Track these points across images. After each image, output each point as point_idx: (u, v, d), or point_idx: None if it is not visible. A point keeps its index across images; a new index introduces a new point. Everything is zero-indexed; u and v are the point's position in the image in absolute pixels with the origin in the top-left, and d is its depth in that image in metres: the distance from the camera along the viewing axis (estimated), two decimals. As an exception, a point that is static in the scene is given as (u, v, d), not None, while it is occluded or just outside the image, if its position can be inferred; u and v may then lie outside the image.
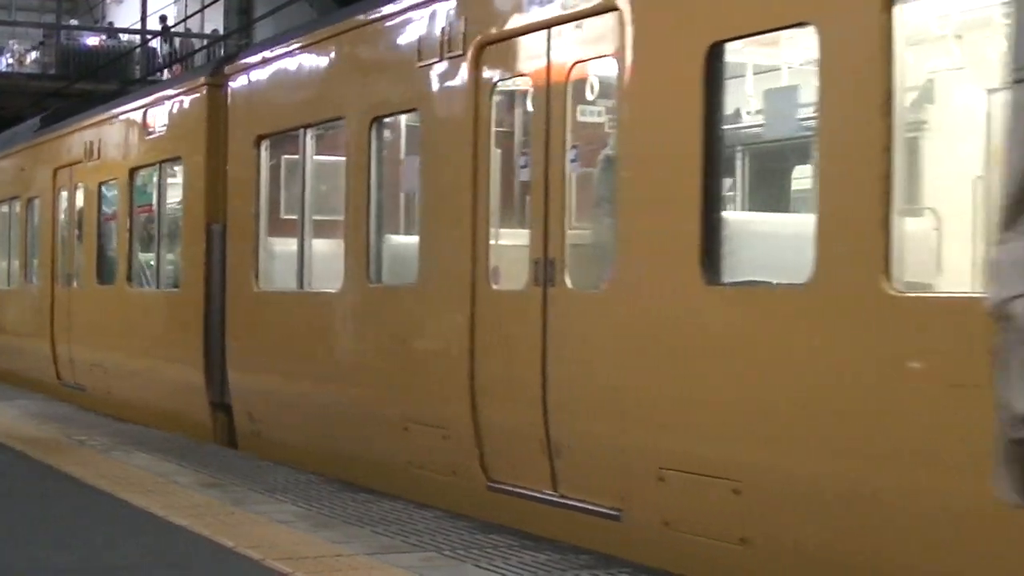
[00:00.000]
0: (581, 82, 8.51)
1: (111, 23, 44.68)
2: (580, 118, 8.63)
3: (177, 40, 37.55)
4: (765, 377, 6.73)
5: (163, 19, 38.23)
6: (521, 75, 8.98)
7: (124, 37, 39.62)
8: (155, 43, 37.29)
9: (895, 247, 6.08)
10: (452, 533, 8.13)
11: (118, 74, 32.78)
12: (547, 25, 8.47)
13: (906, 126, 6.57)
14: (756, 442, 6.80)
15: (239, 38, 33.07)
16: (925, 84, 7.76)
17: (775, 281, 7.02)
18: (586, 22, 8.15)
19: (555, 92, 8.42)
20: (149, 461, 11.27)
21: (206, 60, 30.84)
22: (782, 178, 9.19)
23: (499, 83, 9.07)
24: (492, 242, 9.03)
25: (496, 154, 9.18)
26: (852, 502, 6.24)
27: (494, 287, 8.96)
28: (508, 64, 8.99)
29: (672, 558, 7.20)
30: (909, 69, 6.53)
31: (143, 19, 37.28)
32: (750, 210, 9.40)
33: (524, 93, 9.27)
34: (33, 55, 40.26)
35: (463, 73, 9.22)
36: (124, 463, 11.15)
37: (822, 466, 6.43)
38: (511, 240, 9.09)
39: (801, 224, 6.92)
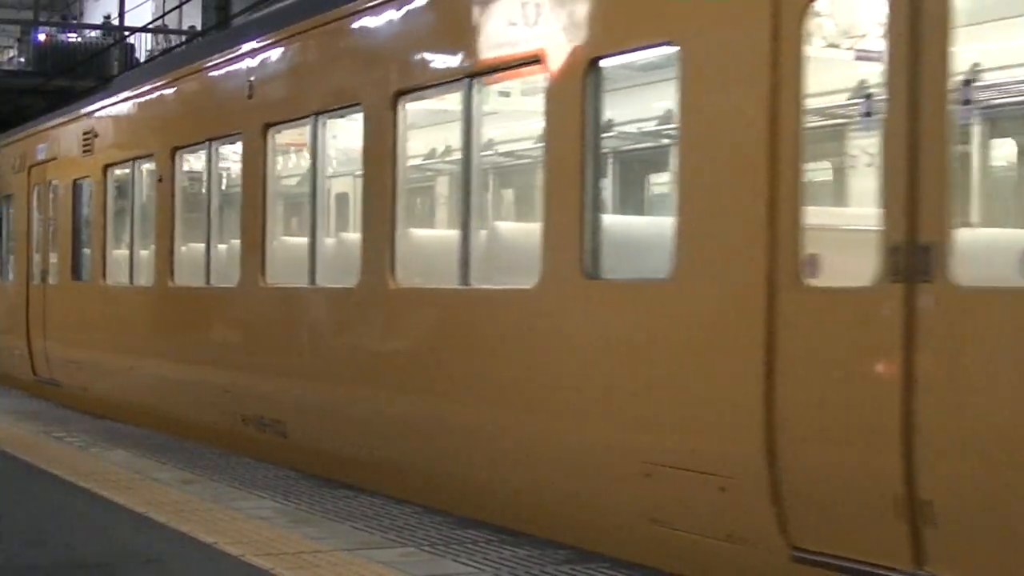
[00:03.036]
0: None
1: (107, 17, 44.54)
2: None
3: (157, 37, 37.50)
4: None
5: (106, 18, 38.12)
6: None
7: (94, 33, 39.51)
8: (133, 39, 37.20)
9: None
10: (431, 528, 8.14)
11: (95, 71, 32.63)
12: None
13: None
14: None
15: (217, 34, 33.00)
16: None
17: None
18: None
19: None
20: (128, 457, 11.25)
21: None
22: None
23: None
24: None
25: None
26: None
27: None
28: None
29: None
30: None
31: (121, 16, 37.14)
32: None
33: None
34: (10, 52, 40.13)
35: None
36: (103, 460, 11.13)
37: None
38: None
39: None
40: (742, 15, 6.52)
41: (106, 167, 15.42)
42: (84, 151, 16.05)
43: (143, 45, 37.23)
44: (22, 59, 39.09)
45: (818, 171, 7.06)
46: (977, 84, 6.93)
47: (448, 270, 8.87)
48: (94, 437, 12.73)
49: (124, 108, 14.82)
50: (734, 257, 6.56)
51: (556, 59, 7.79)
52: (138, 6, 36.87)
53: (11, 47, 40.19)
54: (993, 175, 6.82)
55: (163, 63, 14.80)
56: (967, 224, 6.51)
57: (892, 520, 5.80)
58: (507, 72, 8.73)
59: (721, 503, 6.62)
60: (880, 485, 5.84)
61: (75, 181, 16.47)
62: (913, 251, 5.73)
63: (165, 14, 33.32)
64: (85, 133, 16.03)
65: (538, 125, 8.34)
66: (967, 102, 6.70)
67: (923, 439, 5.68)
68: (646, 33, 7.31)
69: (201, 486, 9.72)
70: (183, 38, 35.04)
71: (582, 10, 7.74)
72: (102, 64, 34.41)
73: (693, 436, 6.83)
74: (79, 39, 39.15)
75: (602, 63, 7.59)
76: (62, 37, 39.12)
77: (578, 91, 7.61)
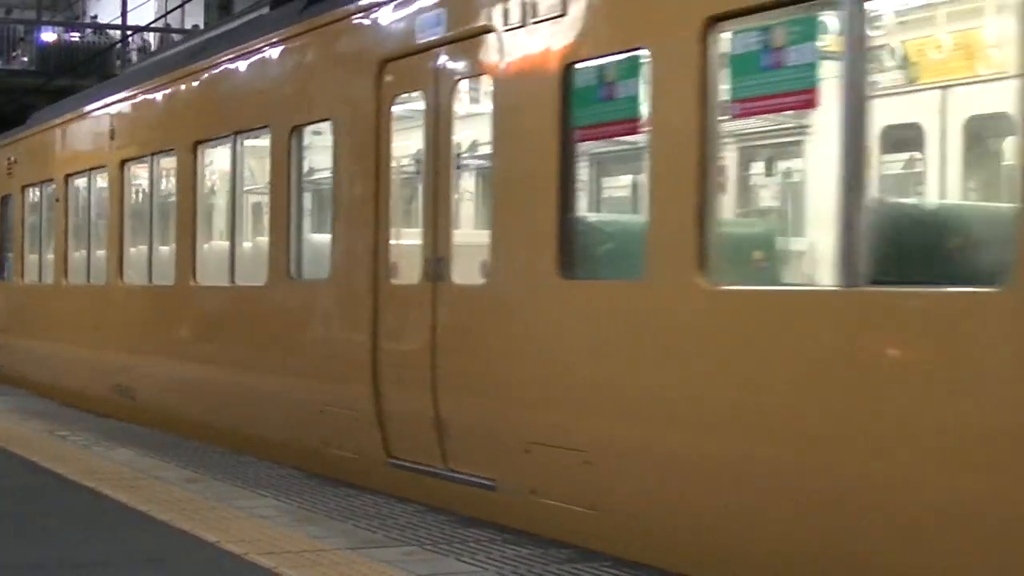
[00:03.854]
0: None
1: (95, 16, 44.56)
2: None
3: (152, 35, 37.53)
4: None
5: (94, 19, 38.12)
6: None
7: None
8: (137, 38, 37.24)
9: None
10: (433, 527, 8.16)
11: (97, 70, 32.68)
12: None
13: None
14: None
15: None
16: None
17: None
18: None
19: None
20: (131, 456, 11.27)
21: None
22: None
23: None
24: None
25: None
26: None
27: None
28: None
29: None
30: None
31: (123, 15, 37.16)
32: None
33: None
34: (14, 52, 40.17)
35: None
36: (106, 459, 11.15)
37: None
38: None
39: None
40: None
41: (22, 187, 19.46)
42: (8, 174, 20.12)
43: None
44: (24, 58, 39.10)
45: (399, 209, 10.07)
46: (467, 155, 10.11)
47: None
48: (97, 436, 12.75)
49: (32, 143, 19.19)
50: (359, 264, 10.02)
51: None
52: (140, 5, 36.89)
53: (16, 52, 40.22)
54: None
55: (59, 108, 18.75)
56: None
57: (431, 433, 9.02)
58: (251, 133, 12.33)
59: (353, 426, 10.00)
60: (426, 412, 9.02)
61: (2, 197, 20.50)
62: (436, 262, 9.12)
63: (168, 12, 33.35)
64: (8, 159, 20.16)
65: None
66: (459, 167, 9.66)
67: (441, 380, 8.97)
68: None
69: (204, 485, 9.74)
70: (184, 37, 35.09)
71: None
72: (105, 63, 34.44)
73: (340, 384, 10.30)
74: (82, 38, 39.17)
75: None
76: (65, 37, 39.15)
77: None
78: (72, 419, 14.51)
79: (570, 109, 7.84)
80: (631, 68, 7.50)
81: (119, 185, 15.19)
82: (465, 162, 10.10)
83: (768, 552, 6.51)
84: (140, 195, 15.24)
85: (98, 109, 16.18)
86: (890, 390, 5.87)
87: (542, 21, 8.00)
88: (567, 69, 7.81)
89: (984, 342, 5.55)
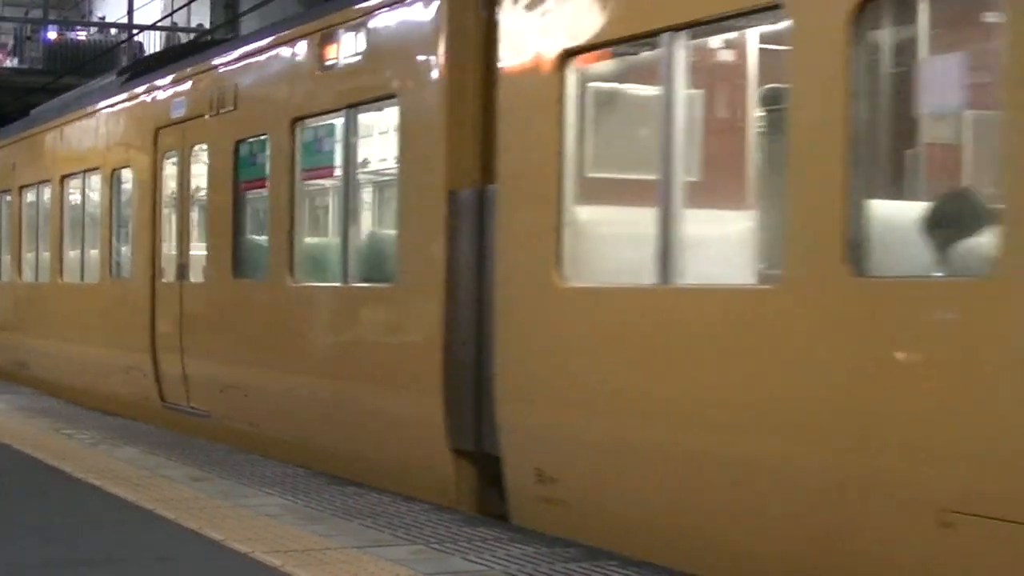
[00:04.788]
0: None
1: (103, 17, 44.58)
2: None
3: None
4: None
5: (101, 19, 38.07)
6: None
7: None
8: (142, 37, 37.21)
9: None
10: (440, 526, 8.14)
11: (105, 68, 32.68)
12: None
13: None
14: None
15: (225, 32, 33.01)
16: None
17: None
18: None
19: None
20: (136, 455, 11.27)
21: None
22: None
23: None
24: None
25: None
26: None
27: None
28: None
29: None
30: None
31: (130, 13, 37.16)
32: None
33: None
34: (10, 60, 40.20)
35: None
36: (112, 457, 11.15)
37: None
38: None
39: None
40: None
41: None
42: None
43: (152, 43, 37.21)
44: (33, 54, 39.08)
45: (166, 230, 14.84)
46: (198, 195, 14.15)
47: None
48: (103, 434, 12.75)
49: None
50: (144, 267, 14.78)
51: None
52: (146, 4, 36.89)
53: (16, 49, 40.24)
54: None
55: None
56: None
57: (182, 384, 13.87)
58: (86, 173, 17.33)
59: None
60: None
61: None
62: (181, 268, 13.95)
63: (174, 12, 33.37)
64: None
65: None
66: (193, 203, 14.28)
67: (185, 348, 13.90)
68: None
69: (209, 483, 9.73)
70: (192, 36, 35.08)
71: None
72: (110, 62, 34.45)
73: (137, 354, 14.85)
74: (88, 37, 39.18)
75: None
76: (71, 36, 39.14)
77: None
78: (78, 417, 14.51)
79: (238, 169, 12.77)
80: (263, 144, 12.30)
81: (18, 205, 20.04)
82: (196, 199, 14.07)
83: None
84: (34, 212, 19.64)
85: (4, 147, 21.01)
86: None
87: (226, 112, 12.94)
88: (236, 144, 12.75)
89: None
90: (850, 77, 6.11)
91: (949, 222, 6.29)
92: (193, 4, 30.46)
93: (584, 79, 8.18)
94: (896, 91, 6.60)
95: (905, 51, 6.66)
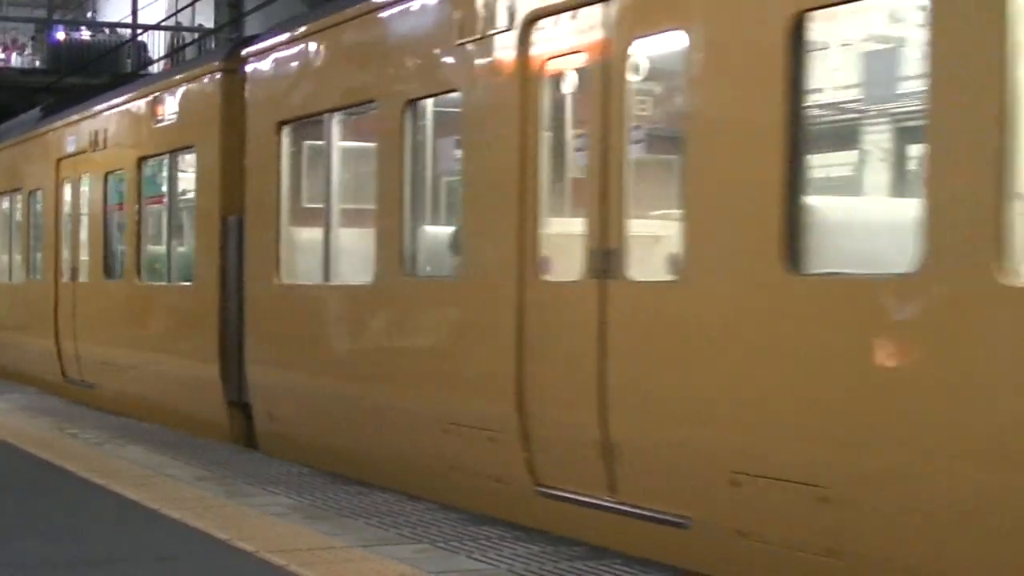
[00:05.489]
0: None
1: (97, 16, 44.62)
2: None
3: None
4: None
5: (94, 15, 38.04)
6: None
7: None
8: (145, 37, 37.21)
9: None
10: (445, 524, 8.14)
11: (108, 68, 32.68)
12: None
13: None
14: None
15: (229, 31, 33.01)
16: None
17: None
18: None
19: None
20: (141, 454, 11.27)
21: (197, 54, 30.79)
22: None
23: None
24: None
25: None
26: None
27: None
28: None
29: None
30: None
31: (134, 13, 37.17)
32: None
33: None
34: (26, 51, 40.18)
35: None
36: (116, 456, 11.15)
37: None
38: None
39: None
40: None
41: None
42: None
43: (156, 43, 37.21)
44: (37, 54, 39.09)
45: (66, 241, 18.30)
46: (83, 213, 17.69)
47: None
48: (108, 434, 12.76)
49: None
50: (48, 268, 18.67)
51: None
52: (150, 4, 36.91)
53: (25, 45, 40.25)
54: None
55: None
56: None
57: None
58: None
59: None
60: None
61: None
62: (74, 268, 17.54)
63: (178, 11, 33.37)
64: None
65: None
66: (80, 218, 18.01)
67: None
68: None
69: (215, 482, 9.73)
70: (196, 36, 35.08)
71: None
72: (115, 62, 34.45)
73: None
74: (93, 37, 39.18)
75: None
76: (75, 35, 39.13)
77: None
78: (82, 417, 14.51)
79: (107, 194, 16.53)
80: (122, 176, 15.94)
81: None
82: (82, 217, 17.29)
83: None
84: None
85: None
86: None
87: (100, 150, 16.47)
88: (106, 175, 16.42)
89: None
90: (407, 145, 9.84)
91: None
92: (197, 4, 30.44)
93: (290, 140, 11.86)
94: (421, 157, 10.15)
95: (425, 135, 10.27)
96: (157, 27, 35.74)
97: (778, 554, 6.61)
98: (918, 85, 6.52)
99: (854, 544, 6.18)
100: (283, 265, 11.72)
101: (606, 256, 7.70)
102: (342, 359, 10.84)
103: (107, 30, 39.95)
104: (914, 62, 7.06)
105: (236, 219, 12.60)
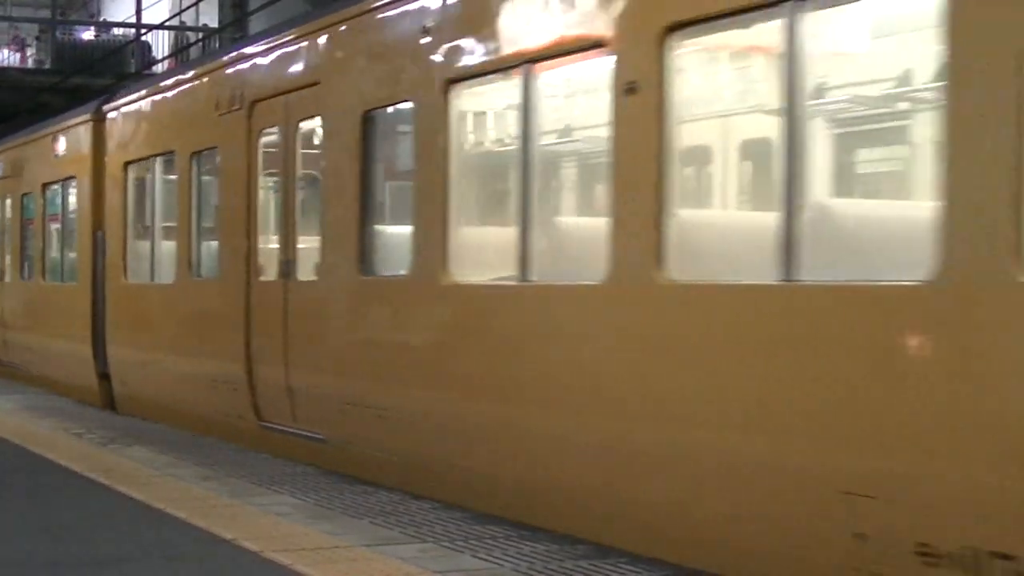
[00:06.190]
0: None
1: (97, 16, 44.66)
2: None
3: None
4: None
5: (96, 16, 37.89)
6: None
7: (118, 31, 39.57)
8: (149, 37, 37.21)
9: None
10: (449, 524, 8.15)
11: (113, 68, 32.71)
12: None
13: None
14: None
15: (233, 31, 33.04)
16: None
17: None
18: None
19: None
20: (146, 454, 11.29)
21: (202, 54, 30.79)
22: None
23: None
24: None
25: None
26: None
27: None
28: None
29: None
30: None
31: (138, 13, 37.19)
32: None
33: None
34: (29, 50, 40.20)
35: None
36: (121, 456, 11.17)
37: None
38: None
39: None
40: None
41: None
42: None
43: (160, 43, 37.21)
44: (41, 54, 39.09)
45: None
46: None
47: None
48: (113, 433, 12.77)
49: None
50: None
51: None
52: (154, 4, 36.92)
53: (31, 45, 40.27)
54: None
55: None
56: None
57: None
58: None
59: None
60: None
61: None
62: (1, 271, 22.21)
63: (182, 11, 33.38)
64: None
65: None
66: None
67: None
68: None
69: (219, 482, 9.75)
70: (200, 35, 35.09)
71: None
72: (120, 62, 34.46)
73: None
74: (97, 36, 39.17)
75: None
76: (78, 35, 39.11)
77: None
78: (87, 417, 14.54)
79: (23, 213, 20.57)
80: (33, 198, 19.67)
81: None
82: (9, 230, 21.46)
83: None
84: None
85: None
86: None
87: (16, 176, 20.73)
88: (22, 197, 20.08)
89: None
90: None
91: None
92: (201, 4, 30.46)
93: (132, 175, 16.18)
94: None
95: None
96: (161, 27, 35.74)
97: (367, 455, 10.31)
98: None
99: (393, 442, 10.01)
100: (128, 269, 16.20)
101: (287, 264, 11.81)
102: (161, 339, 14.91)
103: (115, 30, 39.95)
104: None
105: (102, 234, 16.80)
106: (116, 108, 16.64)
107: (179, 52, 34.32)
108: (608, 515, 7.76)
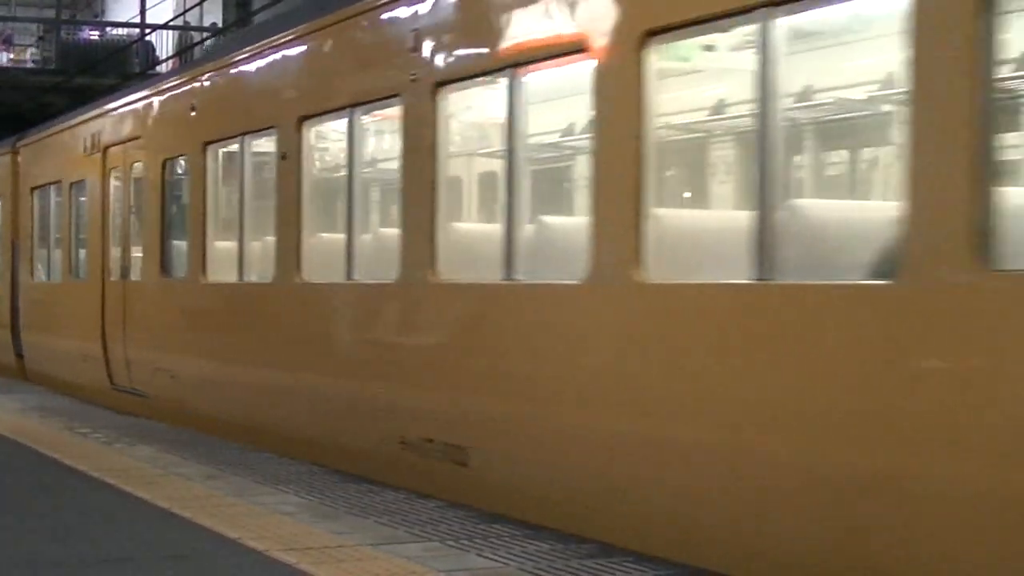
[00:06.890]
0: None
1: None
2: None
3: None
4: None
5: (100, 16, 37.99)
6: None
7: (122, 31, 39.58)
8: (153, 37, 37.23)
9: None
10: (454, 523, 8.15)
11: (117, 68, 32.74)
12: None
13: None
14: None
15: (237, 30, 33.02)
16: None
17: None
18: None
19: None
20: (152, 453, 11.29)
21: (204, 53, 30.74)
22: None
23: None
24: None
25: None
26: None
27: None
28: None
29: None
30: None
31: (142, 13, 37.22)
32: None
33: None
34: (31, 50, 40.24)
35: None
36: (127, 455, 11.17)
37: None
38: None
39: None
40: None
41: None
42: None
43: (164, 43, 37.24)
44: (45, 53, 39.10)
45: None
46: None
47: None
48: (118, 433, 12.78)
49: None
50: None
51: None
52: (158, 3, 36.93)
53: (33, 45, 40.30)
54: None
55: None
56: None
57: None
58: None
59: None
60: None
61: None
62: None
63: (186, 11, 33.40)
64: None
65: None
66: None
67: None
68: None
69: (224, 481, 9.75)
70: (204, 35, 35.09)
71: None
72: (123, 62, 34.47)
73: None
74: (101, 36, 39.18)
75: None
76: (82, 36, 39.13)
77: None
78: (93, 416, 14.55)
79: None
80: None
81: None
82: None
83: None
84: None
85: None
86: None
87: None
88: None
89: None
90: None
91: None
92: (206, 3, 30.49)
93: (37, 198, 20.43)
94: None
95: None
96: (165, 27, 35.76)
97: (164, 405, 14.50)
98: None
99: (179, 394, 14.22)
100: (35, 270, 20.62)
101: (125, 268, 16.13)
102: (53, 325, 19.07)
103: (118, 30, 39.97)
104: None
105: (18, 243, 21.17)
106: (26, 144, 21.22)
107: (183, 52, 34.34)
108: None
